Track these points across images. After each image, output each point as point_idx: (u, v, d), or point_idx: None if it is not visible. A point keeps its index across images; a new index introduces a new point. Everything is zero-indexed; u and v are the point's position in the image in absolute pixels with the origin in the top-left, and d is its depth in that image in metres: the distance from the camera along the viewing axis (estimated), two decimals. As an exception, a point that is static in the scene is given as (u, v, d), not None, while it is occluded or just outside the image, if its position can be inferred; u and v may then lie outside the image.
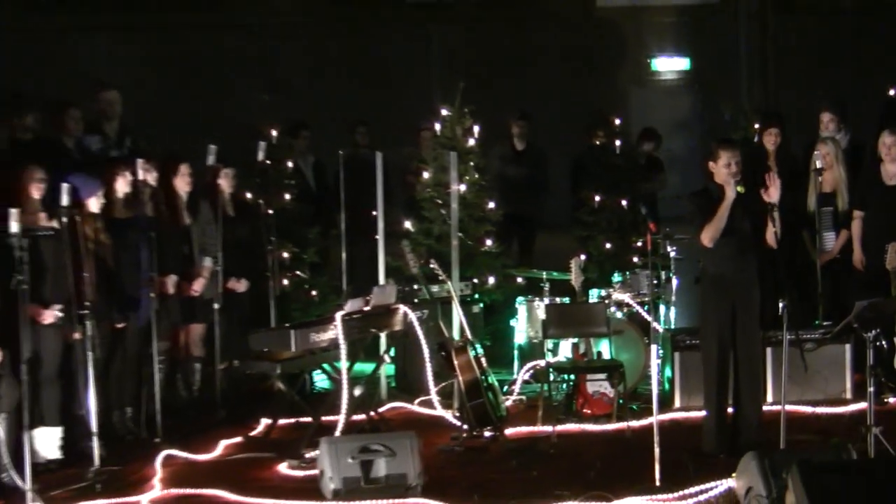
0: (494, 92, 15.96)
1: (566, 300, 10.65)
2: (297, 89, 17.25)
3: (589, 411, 10.07)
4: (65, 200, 8.48)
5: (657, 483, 7.98)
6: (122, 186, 9.56)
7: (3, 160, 9.27)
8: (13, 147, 9.42)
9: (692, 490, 7.87)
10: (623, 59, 19.16)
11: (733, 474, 7.73)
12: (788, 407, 8.53)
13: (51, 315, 8.71)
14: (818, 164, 10.46)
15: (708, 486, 7.90)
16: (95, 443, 8.55)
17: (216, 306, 10.33)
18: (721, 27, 19.46)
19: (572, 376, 10.15)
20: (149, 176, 9.62)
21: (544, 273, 10.98)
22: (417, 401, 10.50)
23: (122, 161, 9.76)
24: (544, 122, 15.37)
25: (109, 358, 9.43)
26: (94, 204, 9.18)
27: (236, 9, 18.25)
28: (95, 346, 8.68)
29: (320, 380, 11.10)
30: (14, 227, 7.81)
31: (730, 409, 8.90)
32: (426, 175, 11.70)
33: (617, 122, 13.34)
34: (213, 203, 10.48)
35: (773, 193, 8.45)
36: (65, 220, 8.52)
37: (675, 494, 7.84)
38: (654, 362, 8.18)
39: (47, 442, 8.89)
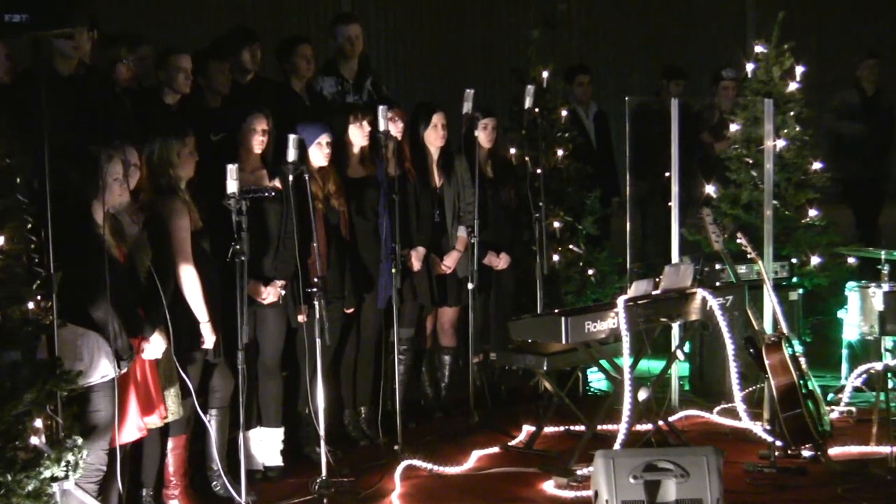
0: (824, 28, 15.62)
1: (912, 288, 10.37)
2: (577, 26, 17.17)
3: (939, 429, 9.77)
4: (291, 155, 8.52)
5: None
6: (357, 139, 9.54)
7: (224, 108, 9.34)
8: (232, 92, 9.50)
9: None
10: None
11: None
12: None
13: (272, 292, 8.74)
14: None
15: None
16: (323, 448, 8.65)
17: (471, 286, 10.31)
18: None
19: (918, 384, 9.93)
20: (393, 126, 9.55)
21: (883, 253, 10.55)
22: (717, 408, 10.38)
23: (359, 108, 9.76)
24: (891, 66, 14.92)
25: (341, 346, 9.59)
26: (315, 154, 9.12)
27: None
28: (325, 331, 8.65)
29: (596, 380, 11.12)
30: (231, 186, 7.84)
31: None
32: (733, 128, 11.44)
33: None
34: (469, 160, 10.42)
35: None
36: (291, 178, 8.53)
37: None
38: None
39: (266, 445, 9.04)
